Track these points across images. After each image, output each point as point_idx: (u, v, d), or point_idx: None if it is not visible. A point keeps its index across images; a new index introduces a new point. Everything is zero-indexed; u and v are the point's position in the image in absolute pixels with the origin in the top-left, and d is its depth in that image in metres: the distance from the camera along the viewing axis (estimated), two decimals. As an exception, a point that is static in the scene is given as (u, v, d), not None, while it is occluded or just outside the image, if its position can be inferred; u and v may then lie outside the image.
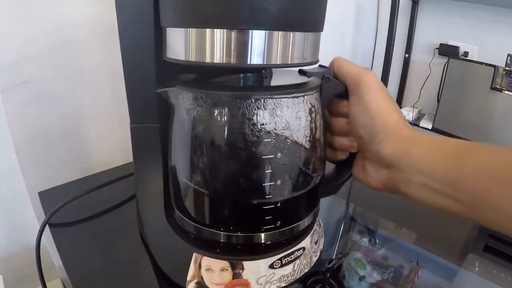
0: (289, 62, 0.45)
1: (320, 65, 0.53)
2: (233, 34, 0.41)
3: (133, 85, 0.54)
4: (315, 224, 0.57)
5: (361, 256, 0.67)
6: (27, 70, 0.79)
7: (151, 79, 0.52)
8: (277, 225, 0.48)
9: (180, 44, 0.44)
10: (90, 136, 0.95)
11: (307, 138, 0.49)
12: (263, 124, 0.45)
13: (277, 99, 0.45)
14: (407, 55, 2.40)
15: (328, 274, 0.60)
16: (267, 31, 0.42)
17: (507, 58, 2.09)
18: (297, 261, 0.52)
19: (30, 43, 0.78)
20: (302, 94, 0.47)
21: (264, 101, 0.44)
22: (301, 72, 0.53)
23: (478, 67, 2.10)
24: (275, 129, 0.45)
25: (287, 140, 0.47)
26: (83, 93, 0.90)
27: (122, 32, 0.51)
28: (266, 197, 0.47)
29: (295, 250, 0.52)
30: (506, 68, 2.05)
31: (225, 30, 0.41)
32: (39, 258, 0.64)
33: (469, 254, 0.76)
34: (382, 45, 2.28)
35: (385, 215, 0.86)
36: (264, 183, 0.46)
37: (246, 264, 0.48)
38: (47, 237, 0.67)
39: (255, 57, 0.42)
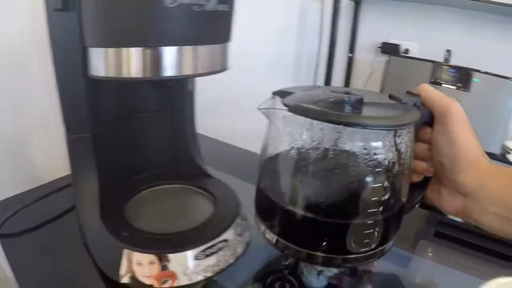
0: (199, 72, 0.50)
1: (407, 92, 0.54)
2: (147, 51, 0.46)
3: (66, 98, 0.58)
4: (239, 218, 0.62)
5: None
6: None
7: (82, 93, 0.56)
8: (372, 247, 0.50)
9: (100, 62, 0.49)
10: (36, 148, 0.96)
11: (407, 166, 0.51)
12: (375, 154, 0.47)
13: (393, 130, 0.48)
14: (350, 55, 2.47)
15: (287, 271, 0.62)
16: (176, 47, 0.47)
17: (445, 53, 2.17)
18: (221, 252, 0.56)
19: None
20: (411, 125, 0.49)
21: (381, 132, 0.47)
22: (392, 98, 0.53)
23: (417, 63, 2.18)
24: (385, 159, 0.48)
25: (394, 169, 0.49)
26: (27, 106, 0.92)
27: (54, 50, 0.55)
28: (368, 222, 0.49)
29: (218, 242, 0.56)
30: (445, 63, 2.14)
31: (139, 48, 0.46)
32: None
33: (420, 241, 0.78)
34: (326, 45, 2.34)
35: None
36: (367, 209, 0.48)
37: (171, 256, 0.52)
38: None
39: (168, 70, 0.47)
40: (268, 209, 0.55)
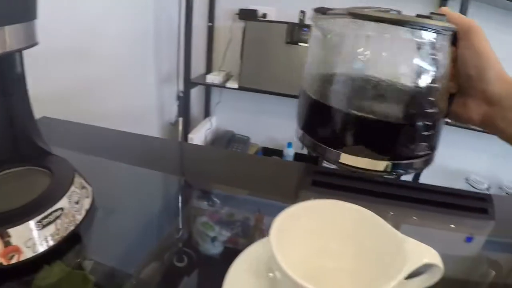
0: (8, 50, 0.53)
1: (432, 13, 0.53)
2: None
3: None
4: (74, 187, 0.64)
5: (207, 219, 0.70)
6: None
7: None
8: (425, 153, 0.52)
9: None
10: None
11: (447, 77, 0.53)
12: (427, 56, 0.49)
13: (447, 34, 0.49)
14: (210, 23, 2.52)
15: (181, 244, 0.63)
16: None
17: (299, 15, 2.28)
18: (59, 221, 0.58)
19: None
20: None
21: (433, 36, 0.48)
22: (421, 16, 0.51)
23: (273, 26, 2.29)
24: (434, 63, 0.50)
25: (442, 74, 0.51)
26: None
27: None
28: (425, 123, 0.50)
29: (53, 211, 0.58)
30: (299, 23, 2.26)
31: None
32: None
33: (301, 191, 0.83)
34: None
35: (218, 180, 0.87)
36: (423, 109, 0.50)
37: (10, 231, 0.54)
38: None
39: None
40: (320, 119, 0.55)
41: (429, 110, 0.50)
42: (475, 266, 0.63)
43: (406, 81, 0.51)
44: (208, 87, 2.79)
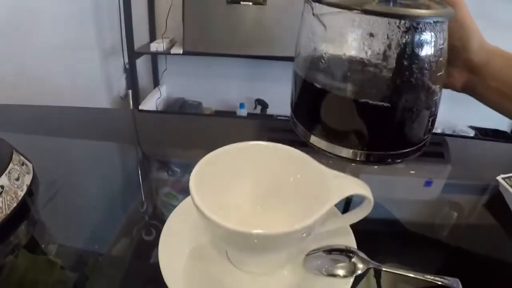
0: None
1: None
2: None
3: None
4: (12, 163, 0.64)
5: (169, 189, 0.69)
6: None
7: None
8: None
9: None
10: None
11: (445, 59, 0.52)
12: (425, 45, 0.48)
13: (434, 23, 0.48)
14: (150, -11, 2.47)
15: (147, 217, 0.63)
16: None
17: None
18: (0, 199, 0.58)
19: None
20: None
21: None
22: None
23: (212, -14, 2.25)
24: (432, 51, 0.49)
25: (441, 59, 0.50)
26: None
27: None
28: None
29: None
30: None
31: None
32: None
33: None
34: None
35: (175, 146, 0.87)
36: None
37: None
38: None
39: None
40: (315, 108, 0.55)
41: (431, 94, 0.51)
42: (438, 209, 0.65)
43: (407, 63, 0.50)
44: (154, 56, 2.76)
